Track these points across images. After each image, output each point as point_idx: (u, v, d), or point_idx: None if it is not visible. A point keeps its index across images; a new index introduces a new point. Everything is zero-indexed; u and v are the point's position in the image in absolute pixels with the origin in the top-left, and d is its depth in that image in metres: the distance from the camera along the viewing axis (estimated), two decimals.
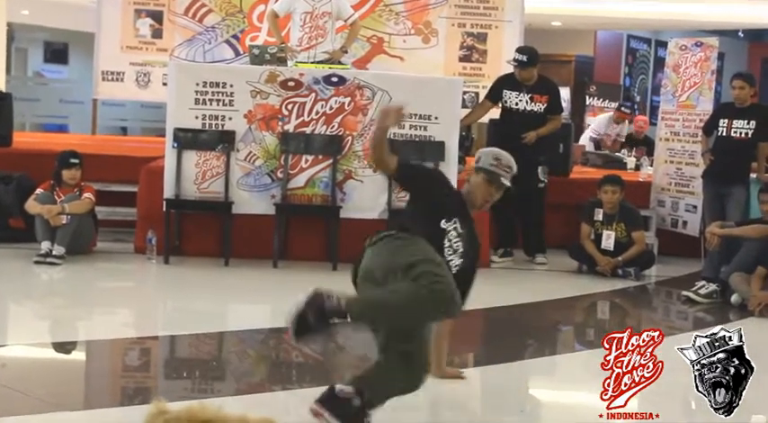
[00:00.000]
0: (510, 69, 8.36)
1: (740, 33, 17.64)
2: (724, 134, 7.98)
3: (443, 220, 4.15)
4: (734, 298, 6.91)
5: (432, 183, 4.32)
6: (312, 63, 8.05)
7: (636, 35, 17.87)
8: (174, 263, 7.25)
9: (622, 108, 12.66)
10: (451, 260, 4.12)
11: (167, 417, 2.08)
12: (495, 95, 8.40)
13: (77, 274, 6.91)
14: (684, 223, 8.78)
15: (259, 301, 6.69)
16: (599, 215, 7.86)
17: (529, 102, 8.16)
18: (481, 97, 9.96)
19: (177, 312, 6.33)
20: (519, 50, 8.36)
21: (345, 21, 8.67)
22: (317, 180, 7.52)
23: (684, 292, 7.10)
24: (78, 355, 5.26)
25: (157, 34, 9.94)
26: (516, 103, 8.17)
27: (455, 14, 10.07)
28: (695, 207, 8.63)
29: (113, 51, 9.91)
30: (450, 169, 7.51)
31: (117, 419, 3.98)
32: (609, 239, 7.81)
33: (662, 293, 7.91)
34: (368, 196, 7.48)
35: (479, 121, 10.97)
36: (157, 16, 9.92)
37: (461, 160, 8.24)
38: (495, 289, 7.03)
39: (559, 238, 8.40)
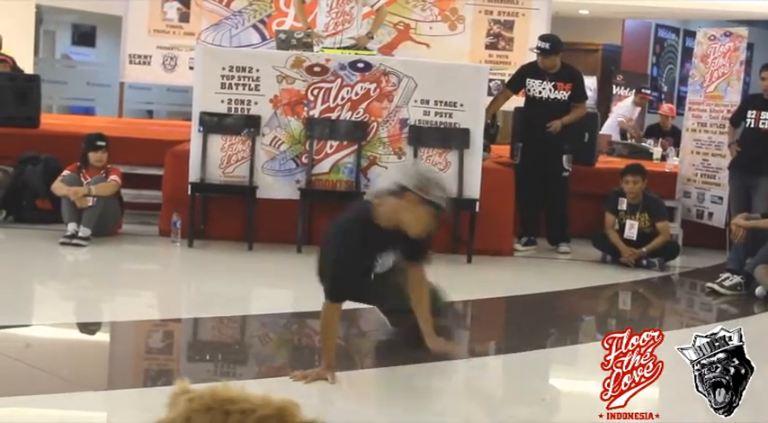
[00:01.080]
0: (533, 57, 8.33)
1: None
2: (752, 126, 7.92)
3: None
4: (758, 290, 6.86)
5: (355, 261, 4.31)
6: (338, 49, 8.04)
7: (664, 24, 17.75)
8: (199, 246, 7.29)
9: (643, 90, 12.61)
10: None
11: (191, 396, 2.10)
12: (516, 84, 8.39)
13: (102, 256, 6.96)
14: (710, 214, 8.73)
15: (282, 285, 6.72)
16: (623, 205, 7.83)
17: (552, 89, 8.13)
18: None
19: (200, 295, 6.36)
20: (542, 38, 8.33)
21: (372, 6, 8.65)
22: (341, 166, 7.53)
23: (709, 284, 7.06)
24: (102, 337, 5.31)
25: (184, 18, 9.96)
26: (540, 92, 8.14)
27: (482, 2, 10.03)
28: (721, 198, 8.58)
29: (140, 35, 9.94)
30: (475, 157, 7.52)
31: (140, 400, 4.01)
32: (632, 229, 7.78)
33: (686, 285, 7.88)
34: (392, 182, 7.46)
35: (504, 108, 10.98)
36: (185, 0, 9.94)
37: (486, 148, 8.23)
38: (517, 278, 7.03)
39: (583, 228, 8.37)
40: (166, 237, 7.40)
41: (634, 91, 13.09)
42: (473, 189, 7.46)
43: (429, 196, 4.17)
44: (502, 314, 6.30)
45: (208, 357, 4.93)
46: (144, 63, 10.01)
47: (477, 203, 7.39)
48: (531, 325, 5.96)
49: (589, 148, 8.96)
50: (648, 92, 12.66)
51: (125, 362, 4.89)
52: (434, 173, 4.43)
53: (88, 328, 5.33)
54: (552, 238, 8.30)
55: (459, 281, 6.87)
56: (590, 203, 8.50)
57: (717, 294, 6.95)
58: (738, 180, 8.08)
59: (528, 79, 8.21)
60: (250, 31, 9.91)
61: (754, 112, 7.91)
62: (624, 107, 12.54)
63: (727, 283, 6.99)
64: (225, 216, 7.60)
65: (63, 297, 6.04)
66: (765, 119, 7.82)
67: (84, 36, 19.13)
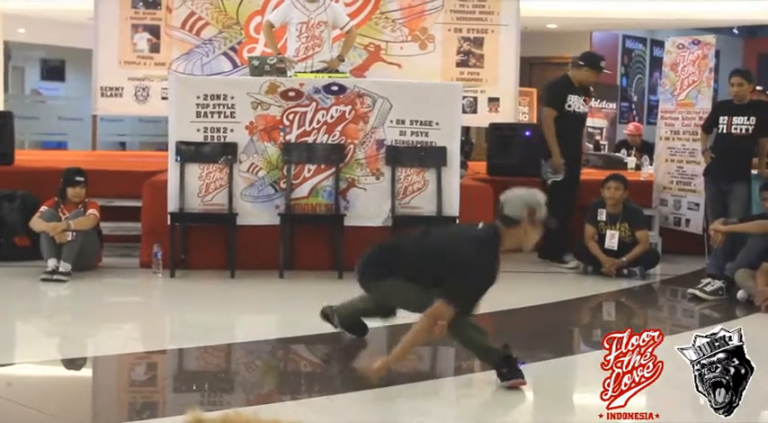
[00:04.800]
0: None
1: (735, 30, 17.68)
2: (724, 131, 8.01)
3: None
4: (740, 294, 6.92)
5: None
6: (310, 72, 8.06)
7: (631, 35, 17.89)
8: (180, 276, 7.27)
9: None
10: None
11: None
12: (561, 101, 8.33)
13: (84, 291, 6.92)
14: (687, 221, 8.80)
15: (266, 311, 6.70)
16: (602, 215, 7.88)
17: (583, 104, 8.43)
18: (480, 101, 10.06)
19: (184, 325, 6.33)
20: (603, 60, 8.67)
21: (341, 29, 8.70)
22: (320, 189, 7.53)
23: (690, 290, 7.12)
24: (89, 371, 5.26)
25: (155, 48, 9.95)
26: (579, 107, 8.37)
27: (451, 20, 10.09)
28: (697, 205, 8.65)
29: (112, 67, 9.92)
30: (453, 174, 7.55)
31: None
32: (612, 239, 7.82)
33: (667, 292, 7.92)
34: (371, 204, 7.49)
35: (478, 125, 11.04)
36: (154, 31, 9.94)
37: (463, 165, 8.26)
38: (499, 293, 7.01)
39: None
40: (147, 268, 7.37)
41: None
42: (452, 206, 7.48)
43: (540, 218, 4.61)
44: (488, 330, 6.28)
45: (194, 387, 4.90)
46: (116, 95, 9.98)
47: (458, 220, 7.41)
48: (515, 339, 5.95)
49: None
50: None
51: (111, 396, 4.86)
52: (531, 193, 4.75)
53: (74, 363, 5.29)
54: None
55: None
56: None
57: (699, 300, 7.01)
58: (714, 186, 8.15)
59: (569, 95, 8.28)
60: (221, 59, 9.92)
61: (726, 117, 8.01)
62: None
63: (708, 289, 7.04)
64: (206, 245, 7.58)
65: (46, 333, 5.98)
66: (737, 124, 7.93)
67: (54, 71, 19.10)
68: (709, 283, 7.07)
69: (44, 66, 19.21)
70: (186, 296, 6.93)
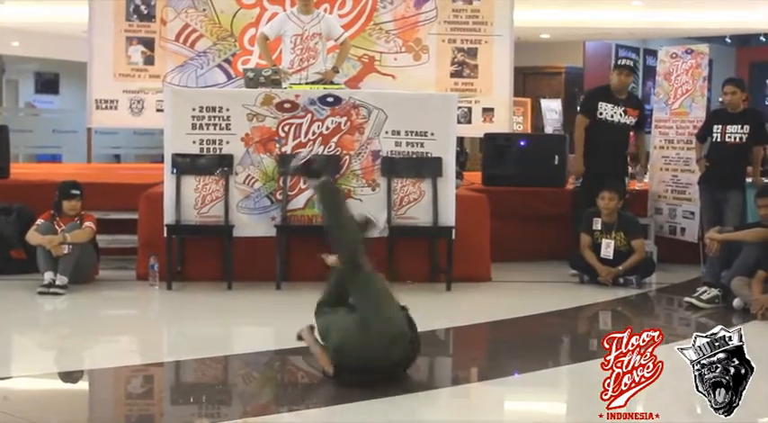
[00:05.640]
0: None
1: (727, 39, 17.78)
2: (718, 140, 8.04)
3: None
4: (736, 302, 6.93)
5: None
6: (305, 84, 8.08)
7: (624, 44, 17.98)
8: (177, 288, 7.27)
9: None
10: None
11: None
12: (591, 108, 8.39)
13: (81, 304, 6.91)
14: (683, 230, 8.82)
15: (263, 323, 6.70)
16: (598, 225, 7.88)
17: (623, 114, 8.32)
18: (474, 112, 10.07)
19: (182, 338, 6.32)
20: (625, 58, 8.53)
21: (336, 40, 8.72)
22: (316, 200, 7.52)
23: (686, 299, 7.12)
24: (85, 384, 5.26)
25: (149, 61, 9.97)
26: (612, 115, 8.31)
27: (445, 31, 10.13)
28: (693, 213, 8.67)
29: (106, 79, 9.94)
30: (449, 185, 7.56)
31: None
32: (608, 248, 7.83)
33: (664, 300, 7.93)
34: (368, 215, 7.48)
35: (472, 136, 11.06)
36: (149, 43, 9.96)
37: (459, 175, 8.27)
38: (498, 303, 7.05)
39: (558, 250, 8.43)
40: (144, 280, 7.37)
41: None
42: (448, 217, 7.49)
43: None
44: (483, 339, 6.31)
45: (191, 400, 4.90)
46: (111, 108, 9.99)
47: (453, 231, 7.42)
48: (514, 349, 5.98)
49: (559, 170, 9.03)
50: None
51: (110, 409, 4.84)
52: None
53: (71, 376, 5.28)
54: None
55: (439, 309, 6.90)
56: (563, 225, 8.57)
57: (695, 308, 7.01)
58: (708, 194, 8.18)
59: (600, 103, 8.30)
60: (215, 71, 9.95)
61: (720, 126, 8.04)
62: None
63: (704, 297, 7.05)
64: (202, 257, 7.58)
65: (43, 347, 5.97)
66: (731, 132, 7.96)
67: (48, 83, 19.15)
68: (705, 291, 7.07)
69: (38, 79, 19.25)
70: (183, 308, 6.92)
